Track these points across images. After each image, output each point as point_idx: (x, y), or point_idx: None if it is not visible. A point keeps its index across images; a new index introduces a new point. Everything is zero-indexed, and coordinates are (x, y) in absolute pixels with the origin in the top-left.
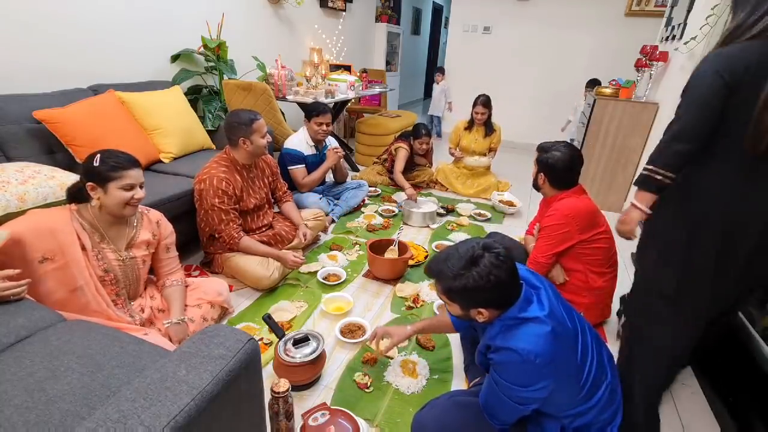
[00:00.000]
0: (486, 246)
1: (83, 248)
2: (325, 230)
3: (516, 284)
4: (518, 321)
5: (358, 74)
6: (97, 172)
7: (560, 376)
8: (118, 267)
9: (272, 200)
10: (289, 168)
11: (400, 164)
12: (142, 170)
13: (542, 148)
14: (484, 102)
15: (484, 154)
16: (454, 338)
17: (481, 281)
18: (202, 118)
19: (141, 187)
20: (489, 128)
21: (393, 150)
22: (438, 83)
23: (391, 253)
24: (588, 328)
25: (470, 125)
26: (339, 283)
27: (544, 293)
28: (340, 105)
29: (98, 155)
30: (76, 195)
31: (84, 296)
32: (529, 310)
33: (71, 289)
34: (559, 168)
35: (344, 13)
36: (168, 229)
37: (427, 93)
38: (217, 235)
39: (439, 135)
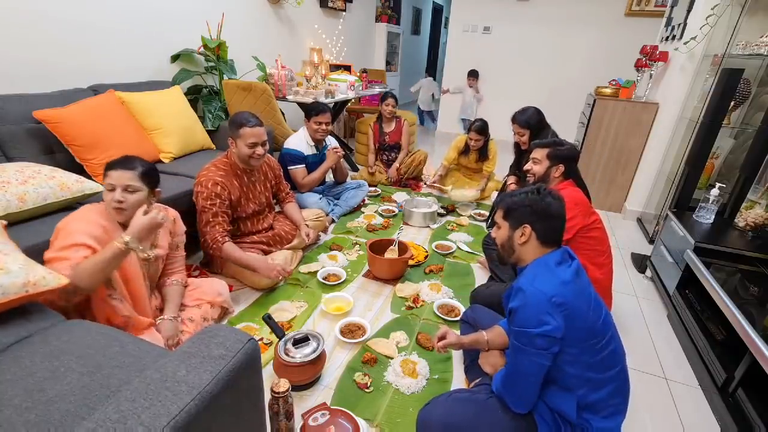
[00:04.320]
0: (543, 187)
1: None
2: (325, 230)
3: (561, 226)
4: (547, 270)
5: (358, 74)
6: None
7: (574, 325)
8: (144, 264)
9: (273, 203)
10: (288, 168)
11: (370, 143)
12: (130, 173)
13: (556, 143)
14: (478, 129)
15: (478, 171)
16: None
17: (536, 198)
18: (202, 118)
19: (126, 190)
20: (483, 156)
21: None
22: (470, 86)
23: (391, 253)
24: (611, 317)
25: (466, 149)
26: (339, 283)
27: (576, 264)
28: (340, 105)
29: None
30: None
31: (130, 286)
32: (561, 266)
33: (122, 280)
34: (574, 157)
35: (344, 13)
36: (181, 227)
37: None
38: (201, 238)
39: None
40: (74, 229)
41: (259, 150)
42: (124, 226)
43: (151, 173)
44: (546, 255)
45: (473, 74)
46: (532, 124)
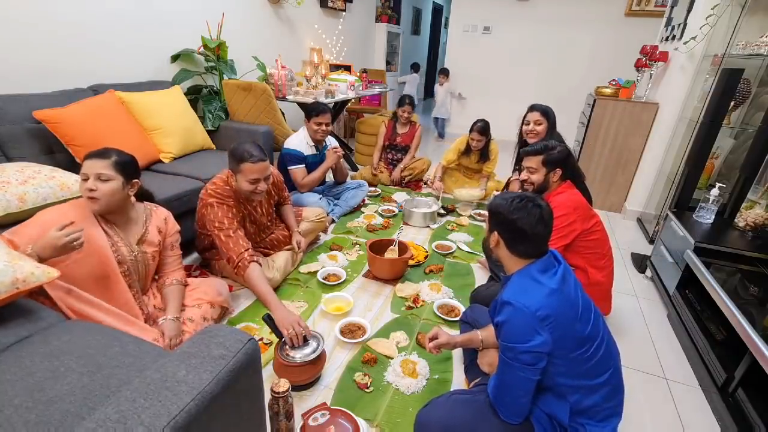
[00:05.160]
0: (534, 198)
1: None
2: (325, 230)
3: (534, 240)
4: (532, 281)
5: (358, 74)
6: None
7: (562, 336)
8: (130, 261)
9: (274, 215)
10: (288, 168)
11: (380, 140)
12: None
13: (547, 148)
14: (480, 129)
15: (478, 171)
16: None
17: (510, 208)
18: (202, 118)
19: (98, 179)
20: (484, 156)
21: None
22: (441, 84)
23: (391, 253)
24: (601, 317)
25: (467, 150)
26: (339, 283)
27: (562, 269)
28: (340, 105)
29: None
30: None
31: (110, 284)
32: (546, 275)
33: (97, 277)
34: (570, 158)
35: (344, 13)
36: (174, 227)
37: (427, 93)
38: (226, 258)
39: (441, 136)
40: (39, 220)
41: (262, 186)
42: (103, 217)
43: (126, 164)
44: (528, 266)
45: (444, 72)
46: (551, 114)
